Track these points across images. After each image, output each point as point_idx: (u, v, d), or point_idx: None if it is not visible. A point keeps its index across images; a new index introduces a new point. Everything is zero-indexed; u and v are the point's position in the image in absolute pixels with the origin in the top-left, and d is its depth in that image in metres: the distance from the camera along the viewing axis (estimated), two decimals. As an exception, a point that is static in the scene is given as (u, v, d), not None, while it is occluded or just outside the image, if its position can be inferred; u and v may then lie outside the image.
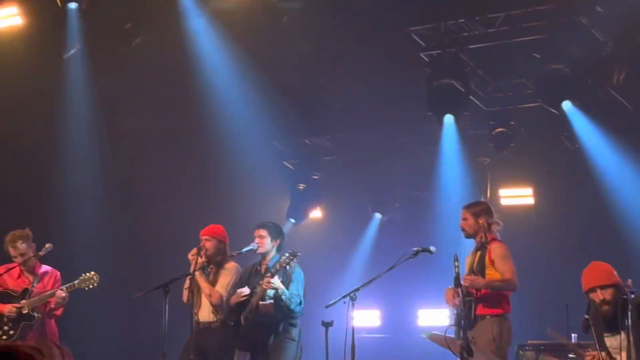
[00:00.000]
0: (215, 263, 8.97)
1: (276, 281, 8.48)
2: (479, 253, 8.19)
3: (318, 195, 15.03)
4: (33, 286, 9.28)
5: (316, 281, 9.32)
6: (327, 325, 8.38)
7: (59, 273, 9.48)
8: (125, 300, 8.97)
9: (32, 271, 9.39)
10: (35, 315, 9.17)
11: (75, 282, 9.17)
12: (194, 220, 9.46)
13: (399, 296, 13.80)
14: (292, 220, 14.99)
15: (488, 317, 7.97)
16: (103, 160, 13.22)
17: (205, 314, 8.84)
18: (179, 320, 8.35)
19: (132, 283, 9.48)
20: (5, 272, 9.31)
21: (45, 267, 9.48)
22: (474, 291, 8.05)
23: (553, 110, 11.60)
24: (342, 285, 11.84)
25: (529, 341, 9.99)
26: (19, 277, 9.36)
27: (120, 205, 13.52)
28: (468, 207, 8.44)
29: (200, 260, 8.78)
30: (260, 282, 8.71)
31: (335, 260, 14.15)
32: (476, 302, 7.95)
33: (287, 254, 8.59)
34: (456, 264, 7.46)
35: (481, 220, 8.23)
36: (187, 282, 8.74)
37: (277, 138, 14.08)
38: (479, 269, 8.08)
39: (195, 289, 8.73)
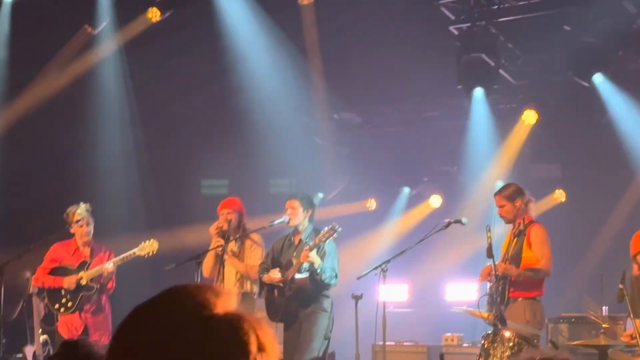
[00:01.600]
0: (240, 236, 9.00)
1: (314, 255, 8.44)
2: (516, 239, 8.06)
3: (346, 170, 15.03)
4: (90, 259, 9.39)
5: (344, 255, 9.30)
6: (357, 298, 8.42)
7: (110, 248, 9.61)
8: (157, 273, 9.00)
9: (89, 245, 9.51)
10: (94, 286, 9.26)
11: (135, 250, 9.25)
12: (225, 194, 9.48)
13: (427, 269, 13.77)
14: (321, 195, 15.01)
15: (520, 299, 7.91)
16: (134, 132, 13.28)
17: (229, 285, 8.81)
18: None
19: (164, 255, 9.50)
20: (61, 247, 9.50)
21: (98, 243, 9.60)
22: None
23: (584, 83, 11.54)
24: (370, 259, 11.85)
25: (562, 314, 10.00)
26: (74, 252, 9.47)
27: (152, 178, 13.56)
28: (500, 192, 8.28)
29: (225, 234, 8.82)
30: (294, 254, 8.72)
31: (363, 234, 14.12)
32: (509, 284, 7.90)
33: (326, 229, 8.48)
34: (489, 234, 7.45)
35: (518, 203, 8.12)
36: (206, 256, 8.76)
37: (306, 113, 14.06)
38: (515, 254, 7.98)
39: (219, 262, 8.76)
